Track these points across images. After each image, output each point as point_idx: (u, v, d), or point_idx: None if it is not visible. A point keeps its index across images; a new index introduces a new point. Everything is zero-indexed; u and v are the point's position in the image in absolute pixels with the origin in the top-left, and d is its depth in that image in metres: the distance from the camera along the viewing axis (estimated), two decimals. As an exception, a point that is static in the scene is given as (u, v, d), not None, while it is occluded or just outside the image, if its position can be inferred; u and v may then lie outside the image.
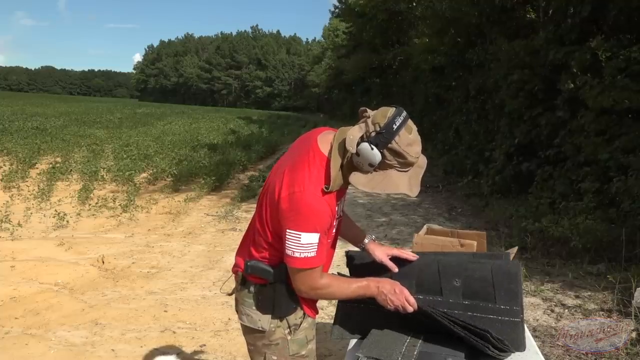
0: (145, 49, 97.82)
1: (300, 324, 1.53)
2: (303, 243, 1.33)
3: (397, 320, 1.51)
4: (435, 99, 13.06)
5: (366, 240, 1.70)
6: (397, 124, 1.28)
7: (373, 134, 1.29)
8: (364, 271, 1.64)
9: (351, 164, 1.35)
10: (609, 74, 5.41)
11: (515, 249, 1.99)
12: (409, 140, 1.31)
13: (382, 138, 1.28)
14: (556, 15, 7.27)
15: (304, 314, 1.54)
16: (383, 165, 1.32)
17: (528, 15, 8.79)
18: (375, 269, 1.65)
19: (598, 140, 5.58)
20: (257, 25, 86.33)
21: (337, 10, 30.46)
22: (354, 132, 1.32)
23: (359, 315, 1.65)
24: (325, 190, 1.34)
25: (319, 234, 1.34)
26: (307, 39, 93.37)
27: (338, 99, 35.69)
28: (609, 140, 5.49)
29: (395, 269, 1.61)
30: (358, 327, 1.67)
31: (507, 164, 7.57)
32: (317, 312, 1.61)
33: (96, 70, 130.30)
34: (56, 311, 3.60)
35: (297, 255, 1.34)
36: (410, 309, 1.45)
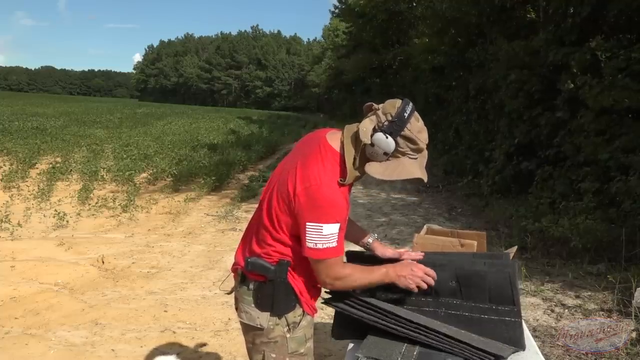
0: (145, 49, 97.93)
1: (299, 322, 1.53)
2: (325, 234, 1.36)
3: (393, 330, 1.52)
4: (435, 99, 13.05)
5: (370, 240, 1.72)
6: (408, 112, 1.36)
7: (386, 123, 1.35)
8: None
9: (364, 155, 1.40)
10: (608, 73, 5.41)
11: (514, 249, 1.98)
12: (419, 127, 1.40)
13: (395, 126, 1.35)
14: (556, 15, 7.27)
15: (303, 312, 1.54)
16: (396, 153, 1.38)
17: (528, 15, 8.80)
18: None
19: (598, 140, 5.58)
20: (257, 25, 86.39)
21: (337, 10, 30.41)
22: (366, 125, 1.38)
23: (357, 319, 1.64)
24: (341, 182, 1.40)
25: (339, 224, 1.38)
26: (307, 39, 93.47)
27: (338, 99, 35.60)
28: (609, 140, 5.49)
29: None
30: (358, 327, 1.66)
31: (507, 164, 7.57)
32: (316, 311, 1.61)
33: (96, 70, 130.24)
34: (56, 311, 3.60)
35: (319, 246, 1.37)
36: (431, 281, 1.50)
